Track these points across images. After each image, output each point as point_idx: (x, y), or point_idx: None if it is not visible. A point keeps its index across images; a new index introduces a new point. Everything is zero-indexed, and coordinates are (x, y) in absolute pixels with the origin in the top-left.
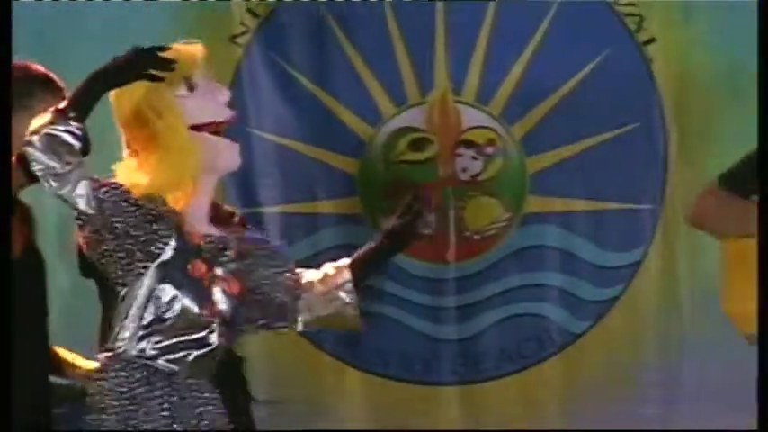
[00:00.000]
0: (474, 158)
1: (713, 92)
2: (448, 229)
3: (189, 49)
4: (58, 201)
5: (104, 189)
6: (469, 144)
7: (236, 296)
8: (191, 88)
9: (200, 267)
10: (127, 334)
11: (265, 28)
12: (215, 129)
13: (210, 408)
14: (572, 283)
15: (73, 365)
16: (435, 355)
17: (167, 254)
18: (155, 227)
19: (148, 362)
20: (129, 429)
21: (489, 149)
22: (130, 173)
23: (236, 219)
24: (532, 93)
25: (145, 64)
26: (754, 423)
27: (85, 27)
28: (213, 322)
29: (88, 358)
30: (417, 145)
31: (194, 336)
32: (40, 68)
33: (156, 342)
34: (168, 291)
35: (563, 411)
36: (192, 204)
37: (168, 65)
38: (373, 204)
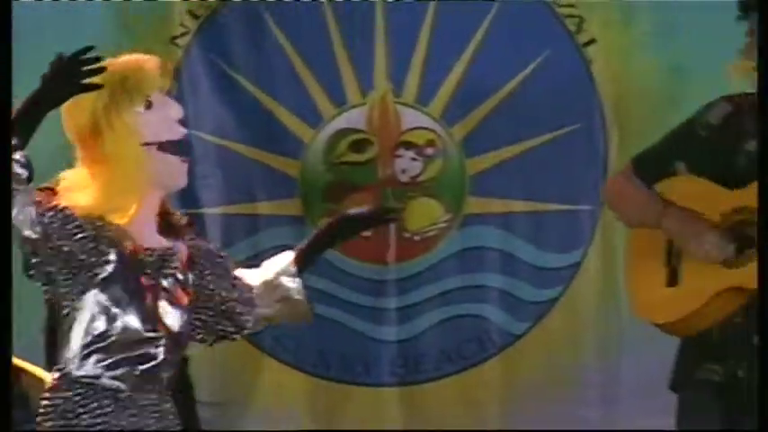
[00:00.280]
0: (414, 159)
1: (653, 93)
2: (388, 230)
3: (152, 66)
4: None
5: (49, 214)
6: (409, 145)
7: (184, 307)
8: (148, 105)
9: (143, 282)
10: (71, 354)
11: (205, 29)
12: (167, 146)
13: (165, 420)
14: (512, 284)
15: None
16: (375, 356)
17: (109, 271)
18: (98, 246)
19: (93, 381)
20: None
21: (429, 150)
22: (74, 189)
23: (187, 226)
24: (472, 94)
25: (73, 73)
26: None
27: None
28: (159, 337)
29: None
30: (357, 146)
31: (138, 351)
32: None
33: (100, 360)
34: (110, 308)
35: (503, 412)
36: (137, 219)
37: (98, 69)
38: (314, 205)
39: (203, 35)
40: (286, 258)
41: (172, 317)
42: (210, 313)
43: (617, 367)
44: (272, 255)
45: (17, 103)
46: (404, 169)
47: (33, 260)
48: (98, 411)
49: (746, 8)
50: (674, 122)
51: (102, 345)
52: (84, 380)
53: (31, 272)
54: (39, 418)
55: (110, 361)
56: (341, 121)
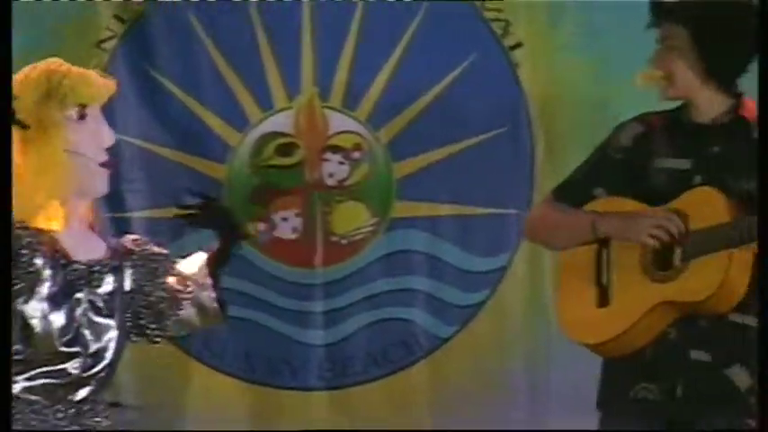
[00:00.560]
0: (341, 163)
1: (580, 96)
2: (315, 233)
3: (100, 82)
4: None
5: None
6: (336, 149)
7: (111, 318)
8: (82, 117)
9: (69, 294)
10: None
11: (132, 33)
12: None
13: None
14: (438, 287)
15: None
16: (303, 359)
17: (36, 281)
18: (30, 254)
19: (19, 394)
20: None
21: (356, 154)
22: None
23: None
24: (399, 97)
25: None
26: None
27: None
28: (78, 352)
29: None
30: (284, 150)
31: (56, 366)
32: None
33: (20, 372)
34: (32, 320)
35: (430, 415)
36: (66, 229)
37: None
38: (240, 209)
39: (129, 39)
40: (199, 266)
41: (95, 332)
42: (142, 315)
43: (544, 371)
44: None
45: None
46: (331, 173)
47: None
48: (21, 423)
49: (658, 15)
50: (599, 125)
51: (22, 357)
52: (16, 392)
53: None
54: None
55: (30, 374)
56: (267, 125)
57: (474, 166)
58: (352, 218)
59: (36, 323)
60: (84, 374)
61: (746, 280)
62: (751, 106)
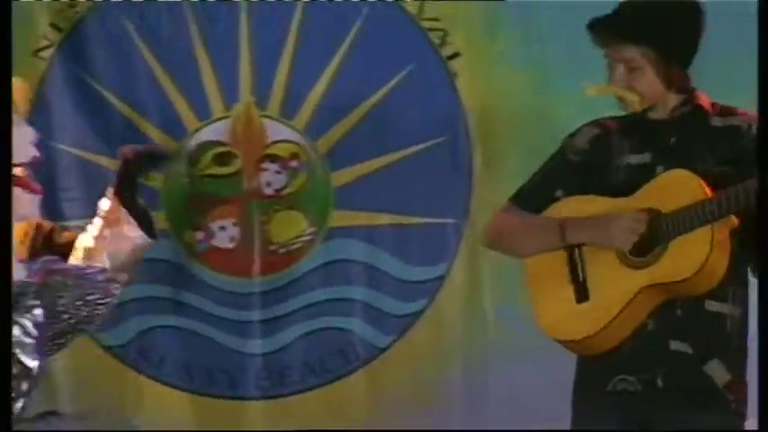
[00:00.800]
0: (278, 172)
1: (518, 106)
2: (253, 243)
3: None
4: None
5: None
6: (274, 158)
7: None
8: None
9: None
10: None
11: (68, 41)
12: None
13: None
14: (376, 297)
15: None
16: (240, 369)
17: None
18: None
19: None
20: None
21: (293, 163)
22: None
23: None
24: (337, 107)
25: None
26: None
27: None
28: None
29: None
30: (222, 159)
31: None
32: None
33: None
34: None
35: (368, 425)
36: None
37: None
38: (178, 218)
39: (66, 47)
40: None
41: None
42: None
43: (483, 380)
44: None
45: None
46: (268, 182)
47: None
48: None
49: (612, 36)
50: (538, 135)
51: None
52: None
53: None
54: None
55: None
56: (205, 134)
57: (412, 176)
58: (290, 227)
59: None
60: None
61: (726, 261)
62: (703, 97)
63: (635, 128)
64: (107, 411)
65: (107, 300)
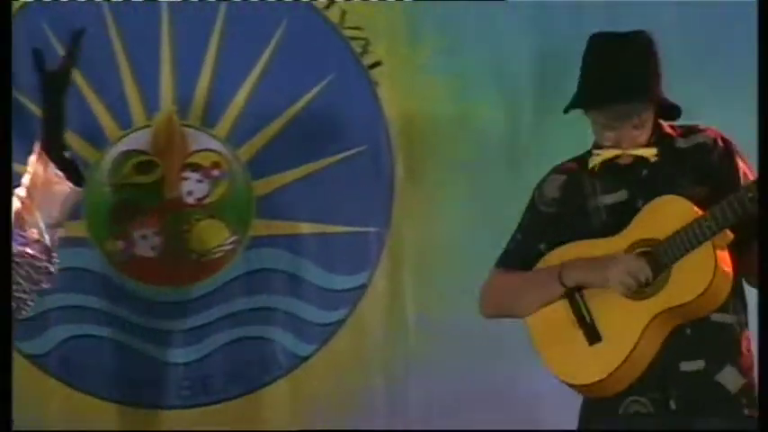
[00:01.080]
0: (199, 181)
1: (440, 115)
2: (174, 252)
3: None
4: None
5: None
6: (195, 167)
7: None
8: None
9: None
10: None
11: None
12: None
13: None
14: (298, 306)
15: None
16: (163, 378)
17: None
18: None
19: None
20: None
21: (215, 172)
22: None
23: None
24: (258, 116)
25: None
26: None
27: None
28: None
29: None
30: (143, 168)
31: None
32: None
33: None
34: None
35: None
36: None
37: None
38: (99, 227)
39: None
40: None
41: None
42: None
43: (404, 388)
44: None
45: None
46: (189, 191)
47: None
48: None
49: (602, 101)
50: (459, 144)
51: None
52: None
53: None
54: None
55: None
56: (126, 143)
57: (334, 185)
58: (212, 236)
59: None
60: None
61: (731, 274)
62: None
63: (603, 167)
64: (30, 422)
65: (47, 266)
